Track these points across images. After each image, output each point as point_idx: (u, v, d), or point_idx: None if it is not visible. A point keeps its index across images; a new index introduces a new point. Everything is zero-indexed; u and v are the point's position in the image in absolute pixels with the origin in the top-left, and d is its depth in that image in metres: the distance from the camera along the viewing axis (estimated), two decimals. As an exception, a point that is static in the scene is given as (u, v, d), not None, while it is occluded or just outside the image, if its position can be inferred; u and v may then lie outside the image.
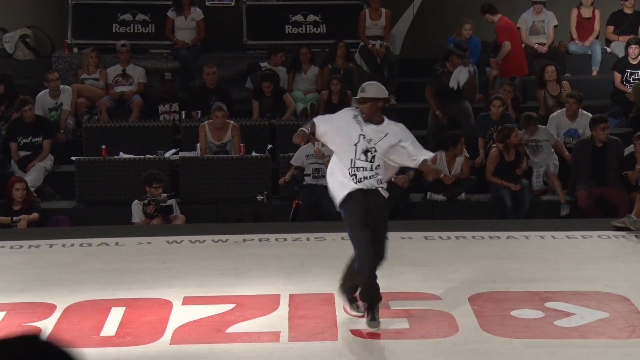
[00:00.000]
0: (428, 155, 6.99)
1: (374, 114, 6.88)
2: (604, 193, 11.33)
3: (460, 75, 12.22)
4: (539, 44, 14.16)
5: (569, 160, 11.78)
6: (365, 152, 6.85)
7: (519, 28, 14.24)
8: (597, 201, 11.29)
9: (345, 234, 9.32)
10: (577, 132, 12.08)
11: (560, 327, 6.88)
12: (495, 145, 11.57)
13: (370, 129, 6.88)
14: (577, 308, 7.23)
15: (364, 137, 6.86)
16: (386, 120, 7.01)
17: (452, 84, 12.19)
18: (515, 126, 11.52)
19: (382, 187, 6.93)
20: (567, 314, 7.11)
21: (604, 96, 13.62)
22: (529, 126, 11.62)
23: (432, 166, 7.19)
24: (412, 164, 7.01)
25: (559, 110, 12.28)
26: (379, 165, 6.87)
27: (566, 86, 12.93)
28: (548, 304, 7.32)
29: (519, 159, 11.44)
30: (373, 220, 6.88)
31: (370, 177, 6.86)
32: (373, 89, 6.95)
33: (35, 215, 10.77)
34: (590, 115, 11.92)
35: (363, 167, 6.85)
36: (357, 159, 6.85)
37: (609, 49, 14.48)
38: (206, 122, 11.86)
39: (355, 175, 6.85)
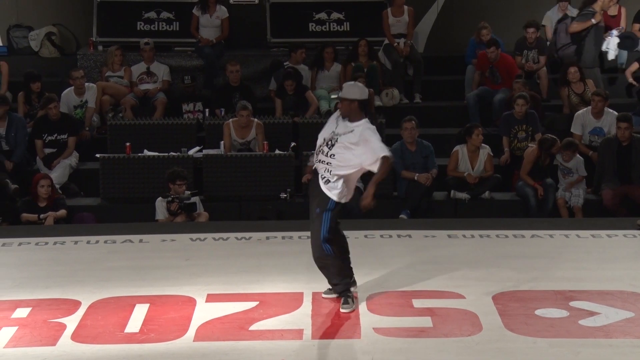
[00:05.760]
0: (376, 166, 7.02)
1: (349, 113, 7.15)
2: (629, 192, 11.27)
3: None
4: (564, 41, 14.09)
5: (594, 159, 11.71)
6: (329, 141, 7.16)
7: (544, 25, 14.18)
8: (622, 200, 11.22)
9: (369, 232, 9.39)
10: (602, 131, 12.01)
11: (585, 327, 6.84)
12: (532, 144, 11.52)
13: (343, 125, 7.19)
14: (602, 307, 7.19)
15: (334, 133, 7.19)
16: (363, 121, 7.16)
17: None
18: (557, 139, 11.39)
19: (326, 177, 7.11)
20: (591, 314, 7.07)
21: (630, 94, 13.53)
22: (568, 151, 11.32)
23: (370, 191, 7.03)
24: (367, 166, 7.13)
25: (585, 109, 12.22)
26: (334, 154, 7.11)
27: (590, 84, 12.85)
28: (573, 303, 7.28)
29: (551, 164, 11.41)
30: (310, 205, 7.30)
31: (321, 162, 7.17)
32: (348, 89, 7.22)
33: (62, 211, 10.84)
34: (615, 113, 11.85)
35: (322, 152, 7.19)
36: (321, 149, 7.18)
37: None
38: (230, 120, 11.89)
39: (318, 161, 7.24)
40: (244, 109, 11.67)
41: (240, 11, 14.38)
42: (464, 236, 9.33)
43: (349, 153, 7.10)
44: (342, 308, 7.20)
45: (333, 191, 7.15)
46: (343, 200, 7.22)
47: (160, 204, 10.75)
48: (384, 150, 7.08)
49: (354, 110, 7.14)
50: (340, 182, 7.15)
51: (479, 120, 12.48)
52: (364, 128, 7.12)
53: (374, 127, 7.19)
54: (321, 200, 7.18)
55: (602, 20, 12.95)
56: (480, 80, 13.28)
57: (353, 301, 7.23)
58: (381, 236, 9.33)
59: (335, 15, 14.39)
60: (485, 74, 13.21)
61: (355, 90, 7.19)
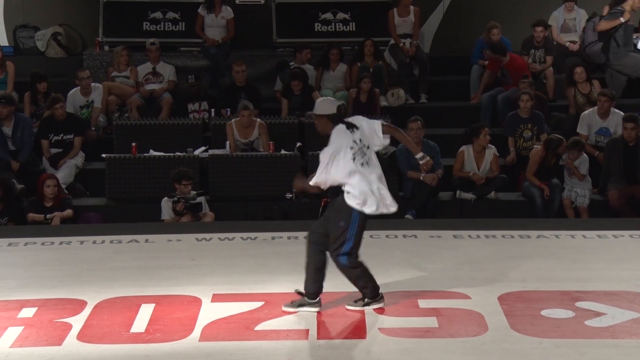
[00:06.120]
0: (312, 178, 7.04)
1: (323, 129, 7.07)
2: (635, 192, 11.25)
3: None
4: (570, 41, 14.07)
5: (600, 159, 11.69)
6: None
7: (550, 26, 14.17)
8: (628, 200, 11.20)
9: (374, 232, 9.38)
10: (608, 131, 11.99)
11: (590, 327, 6.83)
12: (537, 145, 11.51)
13: None
14: (608, 308, 7.18)
15: None
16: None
17: None
18: (563, 139, 11.37)
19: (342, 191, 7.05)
20: (597, 314, 7.06)
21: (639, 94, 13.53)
22: (574, 150, 11.29)
23: (305, 183, 7.21)
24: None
25: (591, 109, 12.20)
26: None
27: (596, 84, 12.83)
28: (578, 304, 7.27)
29: (557, 164, 11.38)
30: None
31: None
32: (317, 105, 7.16)
33: (69, 211, 10.86)
34: (622, 113, 11.83)
35: None
36: None
37: (642, 46, 14.36)
38: (233, 120, 11.90)
39: None
40: (245, 109, 11.69)
41: (246, 11, 14.40)
42: (470, 236, 9.32)
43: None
44: (348, 304, 7.20)
45: (351, 200, 6.99)
46: (367, 210, 7.00)
47: (166, 204, 10.76)
48: (314, 176, 6.99)
49: (326, 126, 7.04)
50: (351, 190, 6.96)
51: (490, 121, 12.47)
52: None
53: (336, 140, 6.93)
54: (344, 212, 7.02)
55: (632, 19, 12.97)
56: (490, 80, 13.26)
57: (363, 305, 7.17)
58: (387, 236, 9.33)
59: (341, 15, 14.39)
60: (497, 75, 13.19)
61: (322, 105, 7.10)
